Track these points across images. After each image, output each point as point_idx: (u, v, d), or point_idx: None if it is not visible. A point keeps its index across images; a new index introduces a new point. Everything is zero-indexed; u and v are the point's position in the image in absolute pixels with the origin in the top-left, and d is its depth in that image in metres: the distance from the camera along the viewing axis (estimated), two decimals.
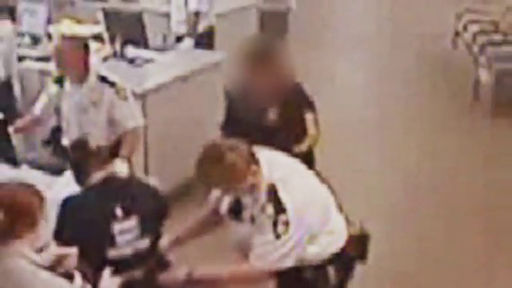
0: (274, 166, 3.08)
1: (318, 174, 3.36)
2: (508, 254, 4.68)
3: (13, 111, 5.20)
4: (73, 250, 2.86)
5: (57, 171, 3.95)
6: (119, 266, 3.11)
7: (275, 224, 2.94)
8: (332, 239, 3.14)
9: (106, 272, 2.92)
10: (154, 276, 3.16)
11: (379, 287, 4.37)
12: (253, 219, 3.04)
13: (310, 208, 3.01)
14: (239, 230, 3.19)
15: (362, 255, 3.27)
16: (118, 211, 3.16)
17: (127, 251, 3.17)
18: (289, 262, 2.99)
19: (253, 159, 3.01)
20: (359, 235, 3.26)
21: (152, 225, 3.26)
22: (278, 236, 2.93)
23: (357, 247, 3.23)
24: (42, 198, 2.72)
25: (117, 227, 3.15)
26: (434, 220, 5.24)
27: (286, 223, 2.92)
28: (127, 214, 3.18)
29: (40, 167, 4.10)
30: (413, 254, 4.65)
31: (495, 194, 5.61)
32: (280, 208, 2.94)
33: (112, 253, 3.14)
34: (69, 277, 2.72)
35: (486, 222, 5.21)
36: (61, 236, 3.05)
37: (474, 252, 4.80)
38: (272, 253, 2.94)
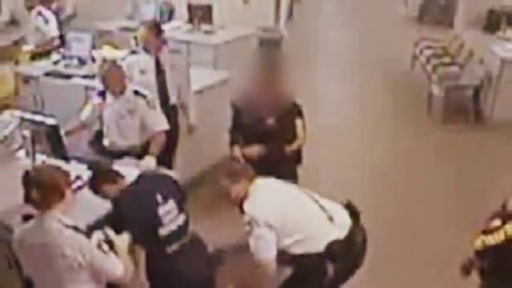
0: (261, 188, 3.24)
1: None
2: (451, 230, 4.74)
3: (176, 136, 4.90)
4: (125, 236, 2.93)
5: None
6: (169, 239, 3.20)
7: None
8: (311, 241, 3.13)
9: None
10: None
11: None
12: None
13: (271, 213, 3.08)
14: None
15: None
16: (159, 197, 3.20)
17: (173, 227, 3.21)
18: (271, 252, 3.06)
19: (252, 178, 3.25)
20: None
21: (182, 204, 3.31)
22: (248, 232, 3.07)
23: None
24: (67, 175, 2.74)
25: (161, 210, 3.18)
26: (395, 205, 5.30)
27: (249, 223, 3.07)
28: (165, 198, 3.21)
29: (86, 163, 4.12)
30: (380, 231, 4.70)
31: (444, 186, 5.66)
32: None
33: (162, 231, 3.18)
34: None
35: (436, 207, 5.28)
36: (118, 228, 2.97)
37: (424, 226, 4.92)
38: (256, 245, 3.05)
